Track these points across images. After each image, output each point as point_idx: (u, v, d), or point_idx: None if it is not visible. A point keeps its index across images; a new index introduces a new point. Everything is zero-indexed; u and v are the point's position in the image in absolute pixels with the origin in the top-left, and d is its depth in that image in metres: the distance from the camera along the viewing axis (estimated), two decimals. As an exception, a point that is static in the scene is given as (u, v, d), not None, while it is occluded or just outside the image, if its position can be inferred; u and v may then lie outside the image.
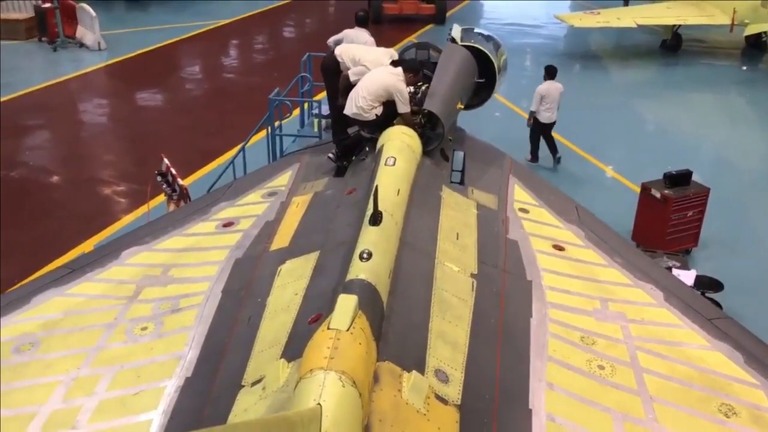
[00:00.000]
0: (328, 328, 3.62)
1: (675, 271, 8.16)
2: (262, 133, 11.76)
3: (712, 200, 10.48)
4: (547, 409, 4.26)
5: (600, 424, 4.21)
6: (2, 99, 17.36)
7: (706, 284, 8.49)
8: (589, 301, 5.41)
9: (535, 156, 13.62)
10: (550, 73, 13.27)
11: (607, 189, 13.04)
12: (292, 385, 3.50)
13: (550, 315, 5.15)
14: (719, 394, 4.51)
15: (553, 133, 13.60)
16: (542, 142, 13.50)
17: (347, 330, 3.61)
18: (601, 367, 4.68)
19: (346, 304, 3.78)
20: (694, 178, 10.52)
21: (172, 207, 9.13)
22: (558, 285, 5.53)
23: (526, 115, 13.71)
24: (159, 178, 9.47)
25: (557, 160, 13.39)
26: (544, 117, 13.25)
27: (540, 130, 13.45)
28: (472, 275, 5.28)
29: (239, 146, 11.17)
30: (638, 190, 11.00)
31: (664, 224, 9.97)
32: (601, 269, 5.88)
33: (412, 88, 7.08)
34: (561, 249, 6.09)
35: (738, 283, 9.15)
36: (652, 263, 6.34)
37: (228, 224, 6.52)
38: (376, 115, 6.78)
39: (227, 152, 13.34)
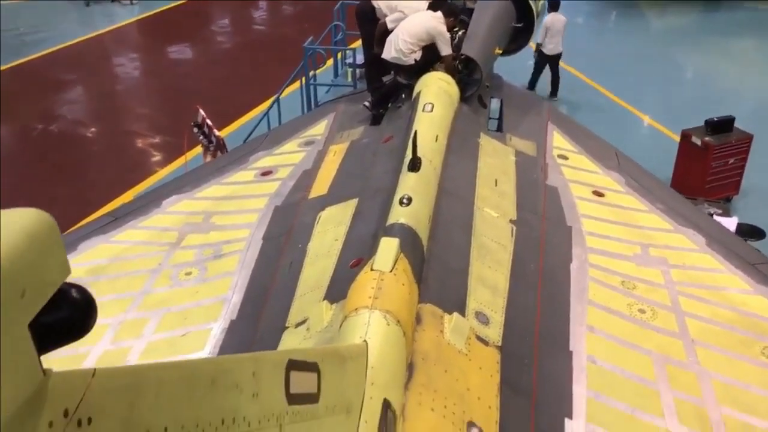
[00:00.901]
0: (372, 270, 3.66)
1: (716, 218, 8.04)
2: (296, 85, 11.72)
3: (755, 148, 10.24)
4: (587, 352, 4.28)
5: (641, 367, 4.22)
6: (39, 54, 17.54)
7: (747, 232, 8.35)
8: (629, 247, 5.38)
9: (532, 85, 13.88)
10: (554, 5, 13.40)
11: (646, 137, 12.82)
12: (337, 324, 3.56)
13: (590, 260, 5.13)
14: (762, 337, 4.48)
15: (589, 80, 13.42)
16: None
17: (390, 271, 3.65)
18: (642, 311, 4.67)
19: (389, 246, 3.82)
20: (737, 125, 10.27)
21: (208, 158, 9.21)
22: (598, 231, 5.50)
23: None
24: (195, 130, 9.53)
25: (551, 96, 13.57)
26: (549, 48, 13.49)
27: (545, 62, 13.68)
28: (511, 221, 5.27)
29: (273, 97, 11.16)
30: (677, 138, 10.78)
31: (704, 172, 9.79)
32: (641, 215, 5.83)
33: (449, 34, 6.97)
34: (601, 195, 6.04)
35: (780, 231, 8.98)
36: (694, 209, 6.27)
37: (266, 173, 6.58)
38: (415, 60, 6.71)
39: (261, 104, 13.34)
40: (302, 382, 1.89)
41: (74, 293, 1.09)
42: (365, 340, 3.16)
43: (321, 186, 5.96)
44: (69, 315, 1.06)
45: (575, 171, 6.38)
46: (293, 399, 1.81)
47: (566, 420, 3.83)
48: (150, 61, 18.06)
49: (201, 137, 9.47)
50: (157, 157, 12.34)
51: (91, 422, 1.06)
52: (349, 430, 2.52)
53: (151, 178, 11.38)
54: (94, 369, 1.12)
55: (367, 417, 2.79)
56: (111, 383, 1.13)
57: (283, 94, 11.17)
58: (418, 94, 6.28)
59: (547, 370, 4.08)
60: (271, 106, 10.88)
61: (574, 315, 4.55)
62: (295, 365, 1.85)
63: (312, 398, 1.99)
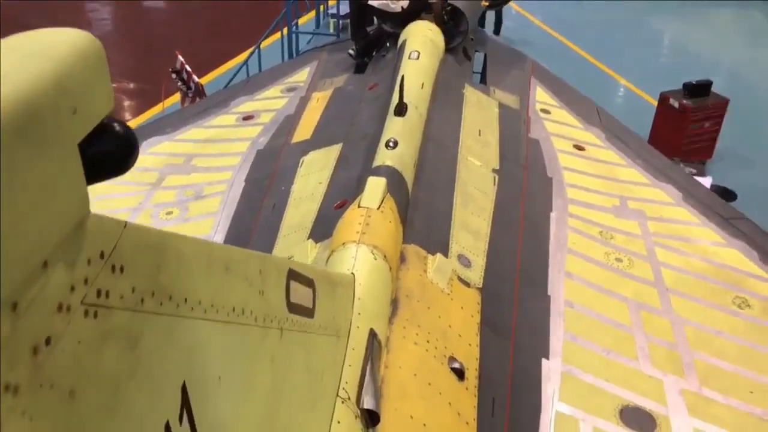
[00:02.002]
0: (359, 206, 3.68)
1: (690, 179, 8.17)
2: (276, 36, 11.57)
3: (729, 113, 10.38)
4: (565, 296, 4.37)
5: (617, 312, 4.33)
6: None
7: (720, 193, 8.49)
8: (608, 199, 5.46)
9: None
10: None
11: (624, 99, 12.92)
12: (323, 261, 3.59)
13: (569, 210, 5.21)
14: (733, 287, 4.61)
15: (569, 42, 13.43)
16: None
17: (378, 209, 3.68)
18: (619, 260, 4.77)
19: (376, 184, 3.84)
20: (713, 89, 10.39)
21: (187, 104, 9.10)
22: (578, 183, 5.58)
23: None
24: (173, 76, 9.40)
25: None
26: None
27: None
28: (494, 170, 5.31)
29: (253, 47, 11.01)
30: (654, 102, 10.89)
31: (681, 134, 9.92)
32: (621, 169, 5.91)
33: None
34: (581, 149, 6.10)
35: (751, 194, 9.18)
36: (672, 165, 6.36)
37: (248, 117, 6.53)
38: (402, 7, 6.64)
39: (241, 54, 13.15)
40: (300, 294, 1.92)
41: (118, 127, 1.08)
42: (352, 273, 3.20)
43: (304, 131, 5.93)
44: (112, 148, 1.05)
45: (557, 125, 6.42)
46: (292, 308, 1.84)
47: (543, 360, 3.93)
48: (125, 8, 17.63)
49: (179, 83, 9.35)
50: (132, 104, 12.14)
51: (123, 271, 1.07)
52: (338, 354, 2.57)
53: (130, 124, 11.20)
54: (125, 221, 1.12)
55: (354, 344, 2.83)
56: (140, 239, 1.14)
57: (263, 44, 11.01)
58: (404, 42, 6.24)
59: (526, 312, 4.17)
60: (251, 54, 10.74)
61: (553, 262, 4.63)
62: (294, 275, 1.87)
63: (308, 312, 2.02)
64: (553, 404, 3.69)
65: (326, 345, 2.34)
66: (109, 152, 1.06)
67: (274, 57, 11.19)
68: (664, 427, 3.61)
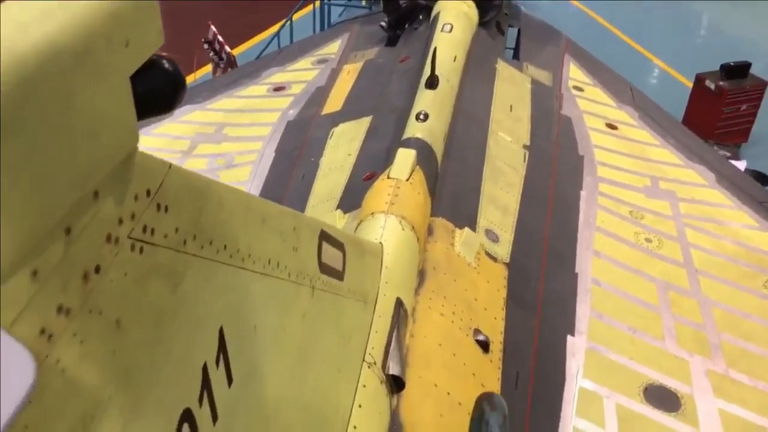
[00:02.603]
0: (388, 177, 3.69)
1: (724, 162, 8.03)
2: (308, 9, 11.53)
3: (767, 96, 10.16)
4: (593, 275, 4.35)
5: (645, 292, 4.30)
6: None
7: (755, 178, 8.35)
8: (639, 179, 5.40)
9: None
10: None
11: (658, 80, 12.70)
12: (351, 231, 3.60)
13: (600, 189, 5.17)
14: (765, 271, 4.55)
15: (604, 21, 13.18)
16: None
17: (407, 180, 3.68)
18: (648, 240, 4.73)
19: (406, 156, 3.84)
20: (752, 71, 10.16)
21: (218, 74, 9.13)
22: (609, 161, 5.52)
23: None
24: (206, 46, 9.43)
25: None
26: None
27: None
28: (525, 146, 5.27)
29: (285, 19, 10.99)
30: (689, 84, 10.69)
31: (716, 117, 9.75)
32: (653, 149, 5.83)
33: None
34: (614, 128, 6.03)
35: (786, 180, 8.99)
36: (706, 146, 6.27)
37: (279, 88, 6.54)
38: (435, -21, 6.58)
39: (272, 26, 13.13)
40: (331, 256, 1.94)
41: (167, 64, 1.10)
42: (380, 242, 3.21)
43: (335, 103, 5.93)
44: (161, 85, 1.07)
45: (590, 103, 6.35)
46: (323, 268, 1.85)
47: (568, 336, 3.93)
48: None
49: (211, 54, 9.38)
50: (164, 75, 12.19)
51: (168, 211, 1.09)
52: (365, 319, 2.59)
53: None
54: (170, 163, 1.14)
55: (381, 312, 2.85)
56: (183, 182, 1.16)
57: (295, 17, 10.99)
58: (437, 15, 6.19)
59: (552, 289, 4.16)
60: (282, 26, 10.72)
61: (581, 239, 4.60)
62: (326, 237, 1.89)
63: (338, 275, 2.04)
64: (576, 380, 3.69)
65: (354, 309, 2.36)
66: (158, 89, 1.07)
67: (306, 30, 11.16)
68: (688, 407, 3.59)
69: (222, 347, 1.24)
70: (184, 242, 1.14)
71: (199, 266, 1.18)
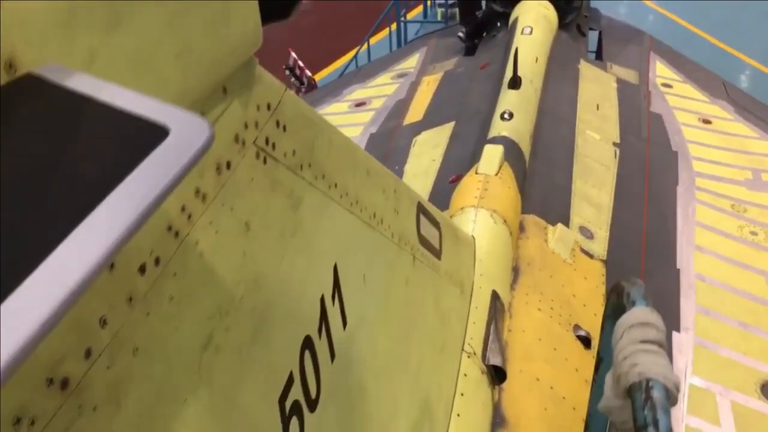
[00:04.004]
0: (476, 173, 3.63)
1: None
2: (384, 32, 11.66)
3: None
4: (696, 270, 4.15)
5: (754, 285, 4.07)
6: None
7: None
8: (739, 172, 5.15)
9: None
10: None
11: (750, 80, 12.16)
12: (441, 229, 3.56)
13: (697, 183, 4.95)
14: None
15: (683, 21, 12.74)
16: None
17: (496, 174, 3.62)
18: (754, 233, 4.48)
19: (493, 151, 3.78)
20: None
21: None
22: (705, 156, 5.29)
23: None
24: (287, 72, 9.65)
25: None
26: None
27: None
28: (615, 144, 5.13)
29: (362, 40, 11.15)
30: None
31: (817, 112, 9.20)
32: (753, 141, 5.56)
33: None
34: (708, 122, 5.79)
35: None
36: (811, 137, 5.91)
37: (360, 104, 6.60)
38: (513, -15, 6.53)
39: (349, 52, 13.35)
40: (428, 231, 1.90)
41: None
42: (473, 236, 3.15)
43: (416, 113, 5.93)
44: None
45: (680, 99, 6.12)
46: (422, 240, 1.82)
47: (674, 333, 3.74)
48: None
49: (293, 79, 9.58)
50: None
51: (286, 130, 1.10)
52: (462, 308, 2.53)
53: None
54: (285, 86, 1.15)
55: (477, 303, 2.79)
56: (298, 108, 1.17)
57: (373, 40, 11.13)
58: (516, 19, 6.13)
59: (653, 285, 3.96)
60: (360, 47, 10.87)
61: (681, 235, 4.41)
62: (423, 210, 1.86)
63: (436, 252, 1.99)
64: (686, 378, 3.50)
65: (452, 294, 2.31)
66: None
67: (384, 51, 11.27)
68: (812, 403, 3.34)
69: (336, 284, 1.23)
70: (301, 167, 1.14)
71: (314, 195, 1.18)
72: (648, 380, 1.24)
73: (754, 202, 4.81)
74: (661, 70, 6.61)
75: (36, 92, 0.63)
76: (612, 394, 1.30)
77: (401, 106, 6.25)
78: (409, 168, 5.07)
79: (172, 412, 0.86)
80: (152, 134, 0.60)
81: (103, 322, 0.75)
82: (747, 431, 3.30)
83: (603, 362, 1.54)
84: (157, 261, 0.82)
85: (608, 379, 1.33)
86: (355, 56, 10.73)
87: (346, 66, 10.79)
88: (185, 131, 0.59)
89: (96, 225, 0.54)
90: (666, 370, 1.25)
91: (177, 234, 0.85)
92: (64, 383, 0.70)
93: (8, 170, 0.55)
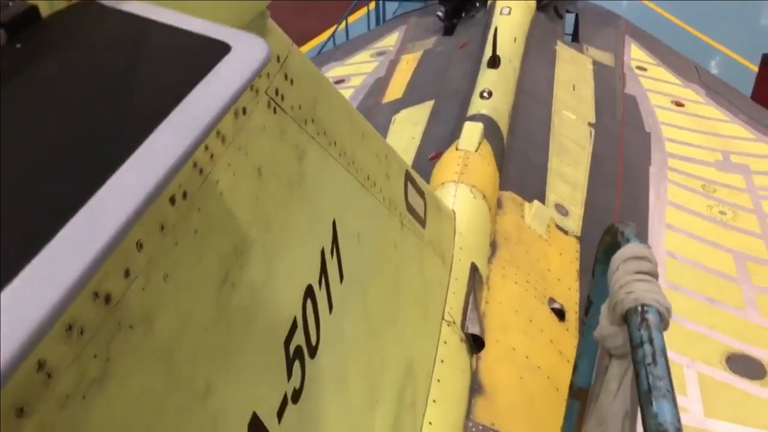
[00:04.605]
0: (457, 149, 3.70)
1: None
2: (362, 12, 11.62)
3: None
4: (666, 247, 4.27)
5: (721, 263, 4.20)
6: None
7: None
8: (710, 153, 5.28)
9: None
10: None
11: (721, 66, 12.36)
12: (420, 203, 3.63)
13: (669, 164, 5.07)
14: None
15: (659, 9, 12.89)
16: None
17: (475, 151, 3.68)
18: (723, 213, 4.61)
19: (473, 128, 3.85)
20: (821, 50, 9.78)
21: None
22: (678, 137, 5.41)
23: None
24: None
25: None
26: None
27: None
28: (590, 124, 5.23)
29: (340, 19, 11.11)
30: (755, 68, 10.36)
31: (785, 97, 9.40)
32: (723, 124, 5.70)
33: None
34: (681, 105, 5.92)
35: None
36: (779, 120, 6.08)
37: (339, 81, 6.61)
38: (492, -35, 6.57)
39: (326, 31, 13.28)
40: (414, 200, 1.96)
41: None
42: (453, 210, 3.22)
43: (395, 91, 5.97)
44: None
45: (654, 81, 6.24)
46: (409, 208, 1.88)
47: (645, 308, 3.86)
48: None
49: (270, 56, 9.52)
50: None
51: (293, 84, 1.14)
52: (443, 278, 2.60)
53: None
54: (291, 41, 1.19)
55: (457, 275, 2.86)
56: (303, 63, 1.22)
57: (350, 20, 11.09)
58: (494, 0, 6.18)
59: (625, 262, 4.09)
60: (339, 23, 10.83)
61: (653, 213, 4.53)
62: (411, 179, 1.91)
63: (421, 221, 2.06)
64: (655, 350, 3.62)
65: (434, 263, 2.37)
66: None
67: (361, 31, 11.25)
68: (774, 375, 3.48)
69: (335, 240, 1.28)
70: (305, 121, 1.19)
71: (316, 150, 1.23)
72: (643, 305, 1.34)
73: (724, 183, 4.94)
74: (635, 53, 6.72)
75: (99, 14, 0.69)
76: (607, 322, 1.40)
77: (380, 84, 6.28)
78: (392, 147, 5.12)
79: (194, 340, 0.92)
80: (217, 50, 0.66)
81: (140, 246, 0.80)
82: (712, 401, 3.42)
83: (593, 305, 1.64)
84: (184, 195, 0.88)
85: (604, 309, 1.44)
86: (333, 35, 10.69)
87: (324, 44, 10.74)
88: (245, 48, 0.66)
89: (182, 118, 0.62)
90: (659, 296, 1.35)
91: (201, 171, 0.91)
92: (108, 298, 0.76)
93: (88, 79, 0.61)
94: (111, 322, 0.77)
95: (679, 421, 1.15)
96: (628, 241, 1.47)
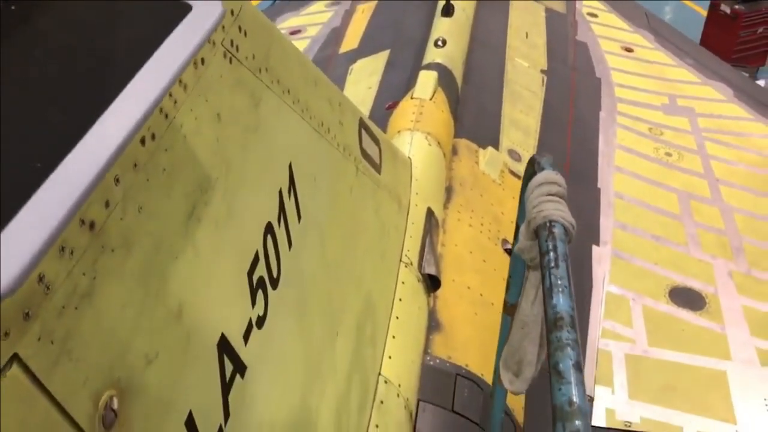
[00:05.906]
0: (412, 98, 3.79)
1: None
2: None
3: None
4: (615, 189, 4.45)
5: (666, 202, 4.40)
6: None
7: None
8: (657, 97, 5.46)
9: None
10: None
11: (672, 10, 12.53)
12: (378, 152, 3.73)
13: (618, 109, 5.24)
14: (785, 177, 4.62)
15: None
16: None
17: (430, 99, 3.78)
18: (668, 154, 4.81)
19: (428, 77, 3.94)
20: (768, -7, 10.00)
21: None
22: (626, 82, 5.57)
23: None
24: None
25: None
26: None
27: None
28: (542, 71, 5.34)
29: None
30: (704, 12, 10.56)
31: (732, 41, 9.64)
32: (670, 69, 5.87)
33: None
34: (630, 50, 6.06)
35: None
36: (723, 64, 6.27)
37: (295, 32, 6.60)
38: None
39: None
40: (369, 146, 2.06)
41: None
42: (409, 157, 3.32)
43: (351, 41, 5.99)
44: None
45: (605, 28, 6.37)
46: (364, 154, 1.98)
47: (594, 246, 4.05)
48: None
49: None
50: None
51: (247, 35, 1.24)
52: (400, 222, 2.72)
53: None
54: None
55: (414, 219, 2.99)
56: (256, 16, 1.30)
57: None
58: (447, -51, 6.19)
59: (576, 204, 4.23)
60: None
61: (602, 157, 4.70)
62: (365, 126, 2.01)
63: (376, 167, 2.16)
64: (603, 285, 3.82)
65: (390, 207, 2.49)
66: None
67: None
68: (713, 305, 3.71)
69: (292, 181, 1.39)
70: (260, 70, 1.28)
71: (270, 97, 1.33)
72: (551, 221, 1.51)
73: (670, 126, 5.13)
74: (587, 1, 6.82)
75: None
76: (524, 237, 1.57)
77: (336, 34, 6.29)
78: (346, 95, 5.18)
79: (166, 264, 1.06)
80: (180, 10, 0.76)
81: (117, 181, 0.92)
82: (656, 331, 3.65)
83: (518, 228, 1.82)
84: (153, 136, 0.99)
85: (522, 227, 1.60)
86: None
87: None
88: (204, 7, 0.76)
89: (151, 69, 0.73)
90: (565, 214, 1.53)
91: (167, 116, 1.01)
92: (92, 225, 0.89)
93: (60, 41, 0.71)
94: (95, 245, 0.89)
95: (573, 309, 1.33)
96: (542, 169, 1.64)
